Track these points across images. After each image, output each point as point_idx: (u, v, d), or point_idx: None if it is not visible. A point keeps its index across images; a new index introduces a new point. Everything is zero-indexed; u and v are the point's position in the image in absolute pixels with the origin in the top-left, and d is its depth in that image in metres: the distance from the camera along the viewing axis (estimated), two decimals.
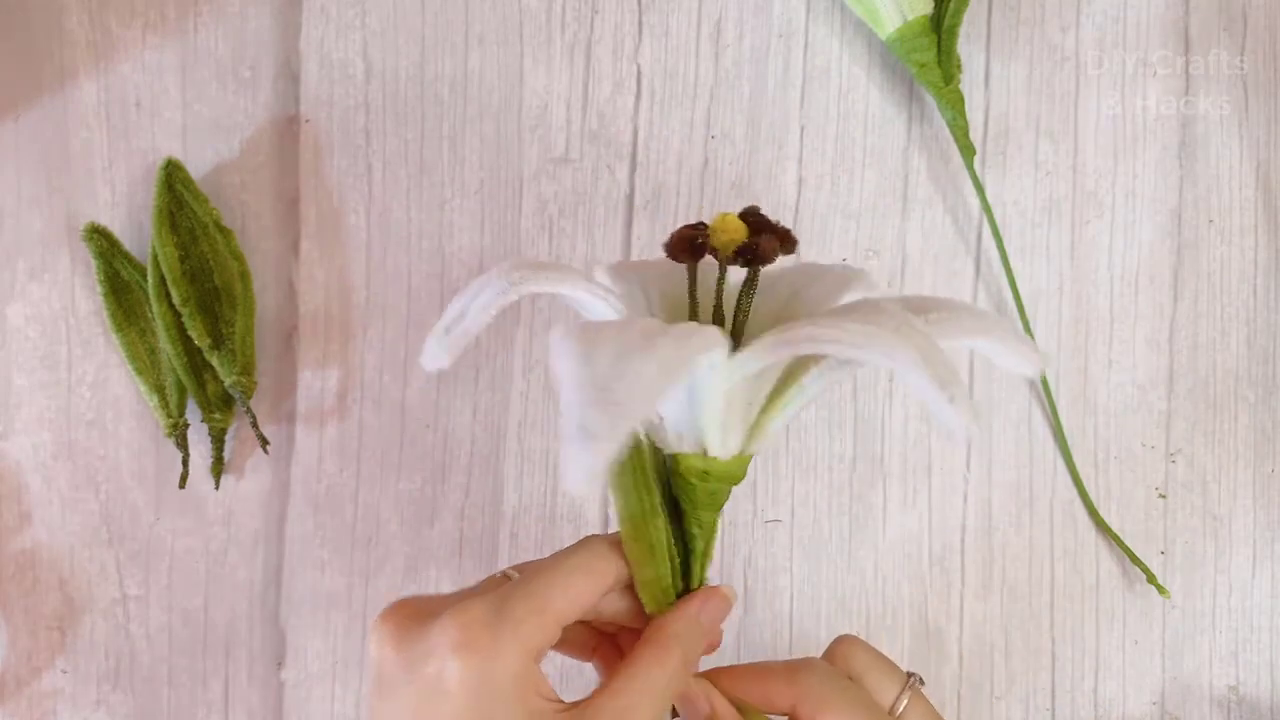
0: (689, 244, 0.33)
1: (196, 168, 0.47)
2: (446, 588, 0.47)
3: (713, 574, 0.36)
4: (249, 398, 0.46)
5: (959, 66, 0.46)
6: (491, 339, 0.47)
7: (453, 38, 0.48)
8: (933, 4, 0.46)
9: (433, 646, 0.29)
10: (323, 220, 0.48)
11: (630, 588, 0.34)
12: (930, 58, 0.45)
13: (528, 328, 0.47)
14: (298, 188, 0.48)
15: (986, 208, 0.47)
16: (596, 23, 0.48)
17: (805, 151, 0.48)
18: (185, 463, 0.46)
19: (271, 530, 0.47)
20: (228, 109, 0.47)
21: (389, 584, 0.47)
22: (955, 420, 0.27)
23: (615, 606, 0.34)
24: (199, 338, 0.45)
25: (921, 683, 0.36)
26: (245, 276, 0.47)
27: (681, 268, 0.34)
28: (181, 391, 0.46)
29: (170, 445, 0.46)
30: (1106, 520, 0.47)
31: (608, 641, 0.36)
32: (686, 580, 0.34)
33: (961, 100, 0.46)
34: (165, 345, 0.46)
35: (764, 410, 0.32)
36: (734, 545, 0.47)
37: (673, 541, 0.34)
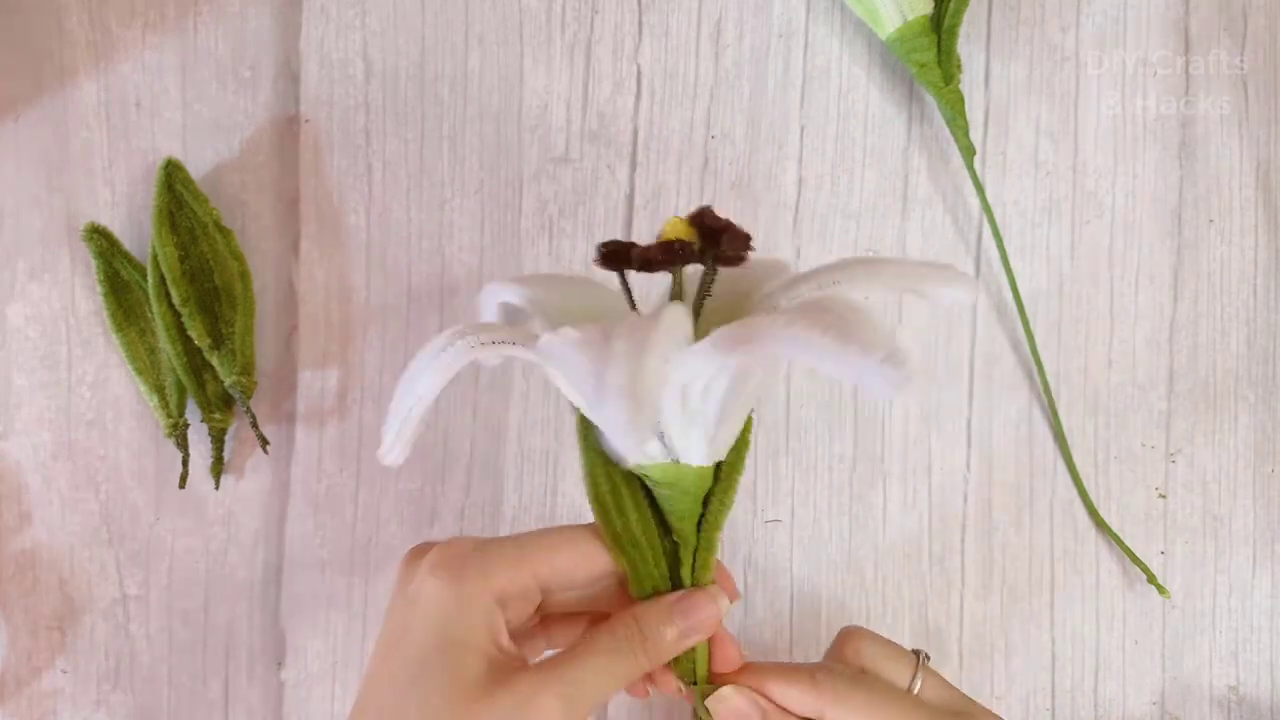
0: (617, 256, 0.33)
1: (196, 168, 0.47)
2: None
3: None
4: (249, 398, 0.46)
5: (959, 66, 0.46)
6: None
7: (453, 38, 0.48)
8: (933, 4, 0.46)
9: (420, 567, 0.33)
10: (323, 220, 0.48)
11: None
12: (930, 58, 0.45)
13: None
14: (298, 188, 0.48)
15: (986, 208, 0.47)
16: (596, 23, 0.48)
17: (805, 151, 0.48)
18: (185, 463, 0.46)
19: (271, 530, 0.47)
20: (228, 109, 0.47)
21: (389, 584, 0.47)
22: (891, 377, 0.27)
23: (613, 595, 0.35)
24: (199, 338, 0.45)
25: (928, 658, 0.37)
26: (245, 276, 0.47)
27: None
28: (181, 391, 0.46)
29: (170, 445, 0.46)
30: (1106, 520, 0.47)
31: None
32: (677, 577, 0.35)
33: (961, 100, 0.46)
34: (165, 345, 0.46)
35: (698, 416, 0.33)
36: (734, 545, 0.47)
37: (658, 537, 0.34)
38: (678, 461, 0.33)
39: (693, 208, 0.33)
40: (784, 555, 0.47)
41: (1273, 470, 0.48)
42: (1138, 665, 0.48)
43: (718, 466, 0.34)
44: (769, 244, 0.48)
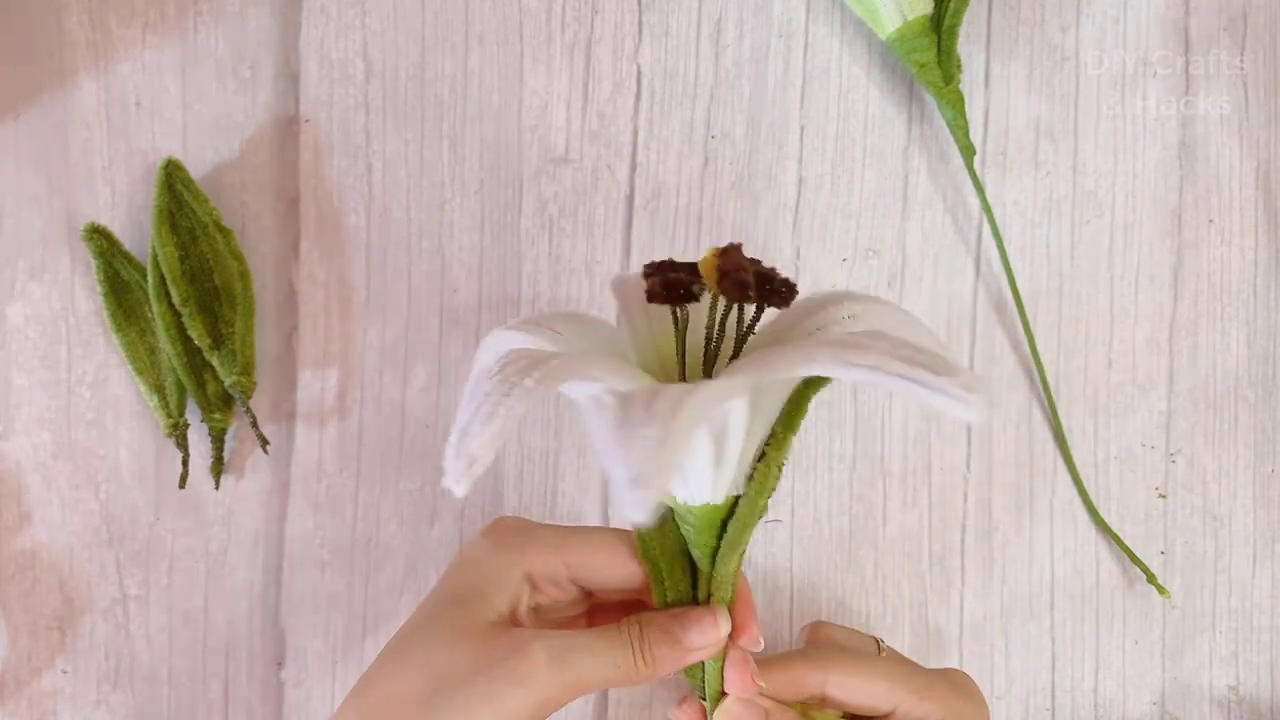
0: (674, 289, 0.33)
1: (196, 168, 0.47)
2: None
3: None
4: (249, 398, 0.46)
5: (959, 66, 0.46)
6: None
7: (453, 38, 0.48)
8: (933, 4, 0.46)
9: (479, 534, 0.37)
10: (323, 220, 0.48)
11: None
12: (930, 58, 0.45)
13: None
14: (298, 188, 0.48)
15: (986, 208, 0.47)
16: (596, 23, 0.48)
17: (805, 151, 0.48)
18: (185, 463, 0.46)
19: (271, 530, 0.47)
20: (228, 109, 0.47)
21: (389, 584, 0.47)
22: (964, 401, 0.27)
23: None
24: (199, 338, 0.45)
25: (882, 640, 0.42)
26: (245, 276, 0.47)
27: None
28: (181, 391, 0.46)
29: (170, 445, 0.46)
30: (1106, 520, 0.47)
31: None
32: (695, 593, 0.36)
33: (961, 100, 0.46)
34: (165, 345, 0.46)
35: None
36: None
37: (681, 554, 0.35)
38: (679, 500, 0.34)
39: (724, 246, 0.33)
40: (784, 555, 0.47)
41: (1273, 470, 0.48)
42: (1138, 665, 0.48)
43: (736, 500, 0.34)
44: (769, 244, 0.48)
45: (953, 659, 0.47)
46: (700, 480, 0.33)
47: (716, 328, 0.33)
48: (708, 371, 0.34)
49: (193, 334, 0.45)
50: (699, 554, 0.35)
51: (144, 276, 0.46)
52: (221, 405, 0.46)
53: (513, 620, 0.35)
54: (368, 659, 0.47)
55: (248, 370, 0.46)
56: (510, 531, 0.36)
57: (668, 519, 0.35)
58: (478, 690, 0.32)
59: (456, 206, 0.48)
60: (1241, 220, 0.48)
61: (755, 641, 0.36)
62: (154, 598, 0.47)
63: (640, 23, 0.48)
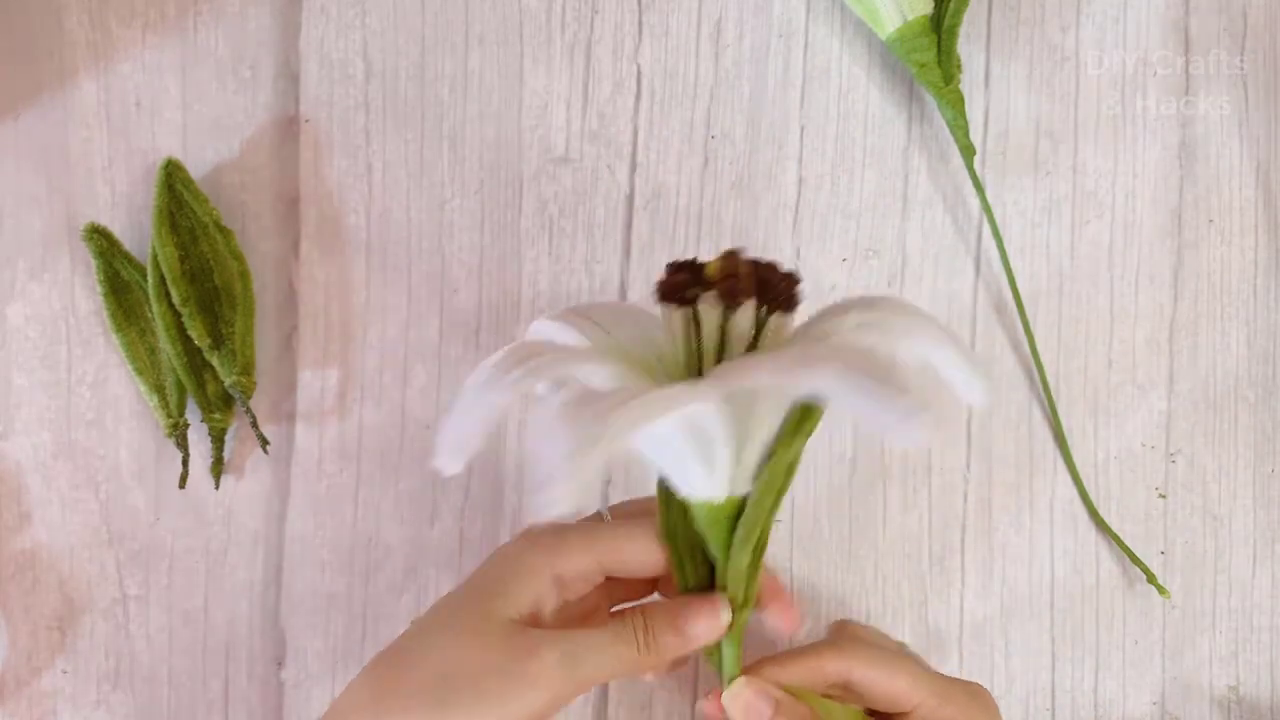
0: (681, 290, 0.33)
1: (196, 168, 0.47)
2: (446, 588, 0.47)
3: None
4: (249, 398, 0.46)
5: (959, 66, 0.46)
6: (491, 337, 0.47)
7: (453, 38, 0.48)
8: (933, 4, 0.46)
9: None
10: (323, 220, 0.48)
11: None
12: (930, 58, 0.45)
13: (528, 326, 0.47)
14: (298, 188, 0.48)
15: (986, 208, 0.47)
16: (596, 23, 0.48)
17: (805, 151, 0.48)
18: (185, 463, 0.46)
19: (271, 530, 0.47)
20: (228, 109, 0.47)
21: (389, 584, 0.47)
22: (904, 423, 0.27)
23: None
24: (199, 338, 0.45)
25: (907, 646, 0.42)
26: (245, 276, 0.47)
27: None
28: (181, 391, 0.46)
29: (170, 445, 0.46)
30: (1106, 520, 0.47)
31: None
32: (713, 583, 0.37)
33: (961, 100, 0.46)
34: (165, 345, 0.46)
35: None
36: None
37: (699, 542, 0.36)
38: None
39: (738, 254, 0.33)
40: (784, 555, 0.47)
41: (1273, 470, 0.48)
42: (1138, 665, 0.48)
43: (745, 499, 0.35)
44: (769, 244, 0.48)
45: (953, 659, 0.47)
46: (693, 477, 0.34)
47: (717, 332, 0.33)
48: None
49: (193, 334, 0.45)
50: (713, 547, 0.36)
51: (144, 276, 0.46)
52: (221, 405, 0.46)
53: (533, 620, 0.35)
54: (368, 659, 0.47)
55: (248, 370, 0.46)
56: (541, 535, 0.37)
57: (686, 509, 0.35)
58: (489, 688, 0.33)
59: (456, 206, 0.48)
60: (1241, 220, 0.48)
61: (792, 619, 0.38)
62: (154, 598, 0.47)
63: (640, 23, 0.48)
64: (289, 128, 0.48)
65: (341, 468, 0.47)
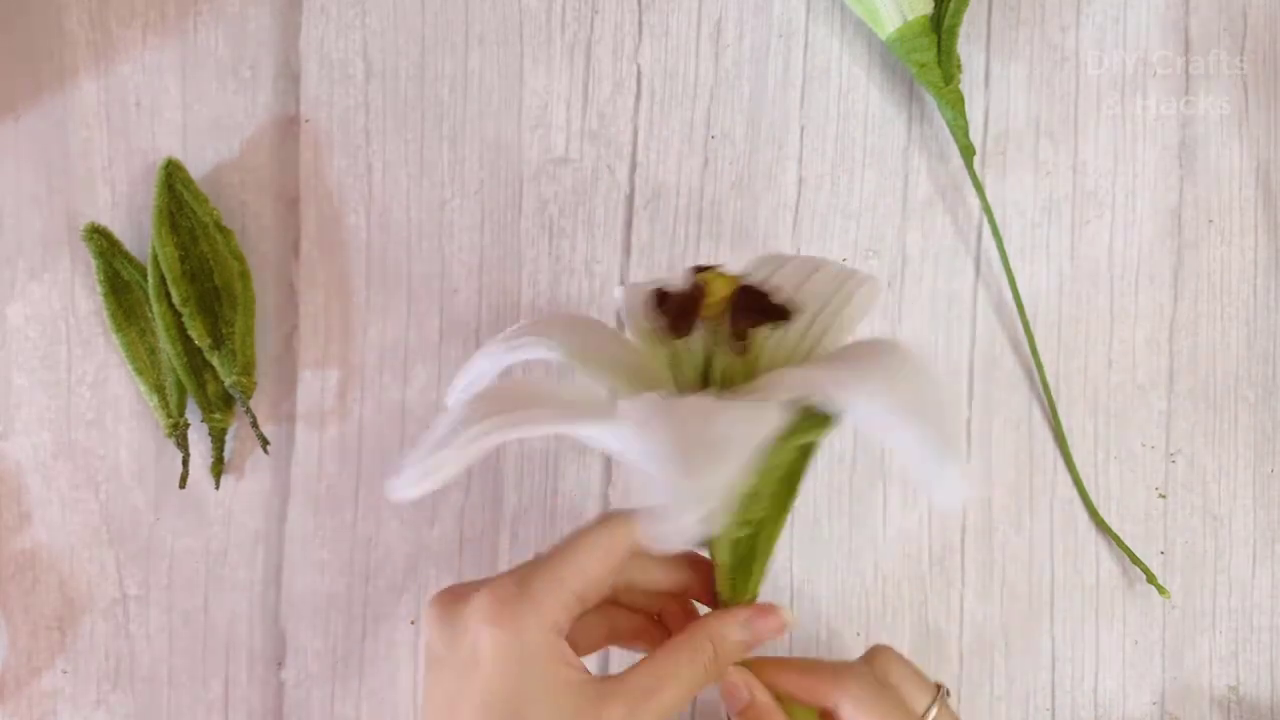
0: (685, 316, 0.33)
1: (196, 168, 0.47)
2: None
3: None
4: (249, 398, 0.46)
5: (959, 66, 0.46)
6: (491, 337, 0.47)
7: (453, 38, 0.48)
8: (933, 4, 0.46)
9: (468, 623, 0.32)
10: (323, 220, 0.48)
11: (658, 559, 0.37)
12: (930, 58, 0.45)
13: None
14: (298, 188, 0.48)
15: (986, 208, 0.47)
16: (596, 23, 0.48)
17: (805, 151, 0.48)
18: (185, 463, 0.46)
19: (271, 530, 0.47)
20: (228, 109, 0.47)
21: (389, 584, 0.47)
22: (947, 486, 0.27)
23: (649, 576, 0.37)
24: (199, 338, 0.45)
25: (949, 694, 0.38)
26: (245, 276, 0.47)
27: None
28: (181, 391, 0.46)
29: (170, 445, 0.46)
30: (1106, 520, 0.47)
31: (656, 627, 0.39)
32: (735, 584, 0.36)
33: (961, 100, 0.46)
34: (165, 345, 0.46)
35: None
36: None
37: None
38: None
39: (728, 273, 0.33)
40: (784, 555, 0.47)
41: (1273, 470, 0.48)
42: (1138, 665, 0.48)
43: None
44: (769, 244, 0.48)
45: (953, 659, 0.47)
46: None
47: (711, 349, 0.33)
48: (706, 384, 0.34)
49: (193, 334, 0.45)
50: (720, 552, 0.36)
51: (144, 276, 0.46)
52: (221, 405, 0.46)
53: (572, 683, 0.33)
54: (368, 659, 0.47)
55: (248, 370, 0.46)
56: (513, 604, 0.32)
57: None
58: None
59: (456, 206, 0.48)
60: (1241, 220, 0.48)
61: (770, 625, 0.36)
62: (154, 598, 0.47)
63: (640, 23, 0.48)
64: (289, 128, 0.48)
65: (341, 468, 0.47)
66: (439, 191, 0.48)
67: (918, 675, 0.38)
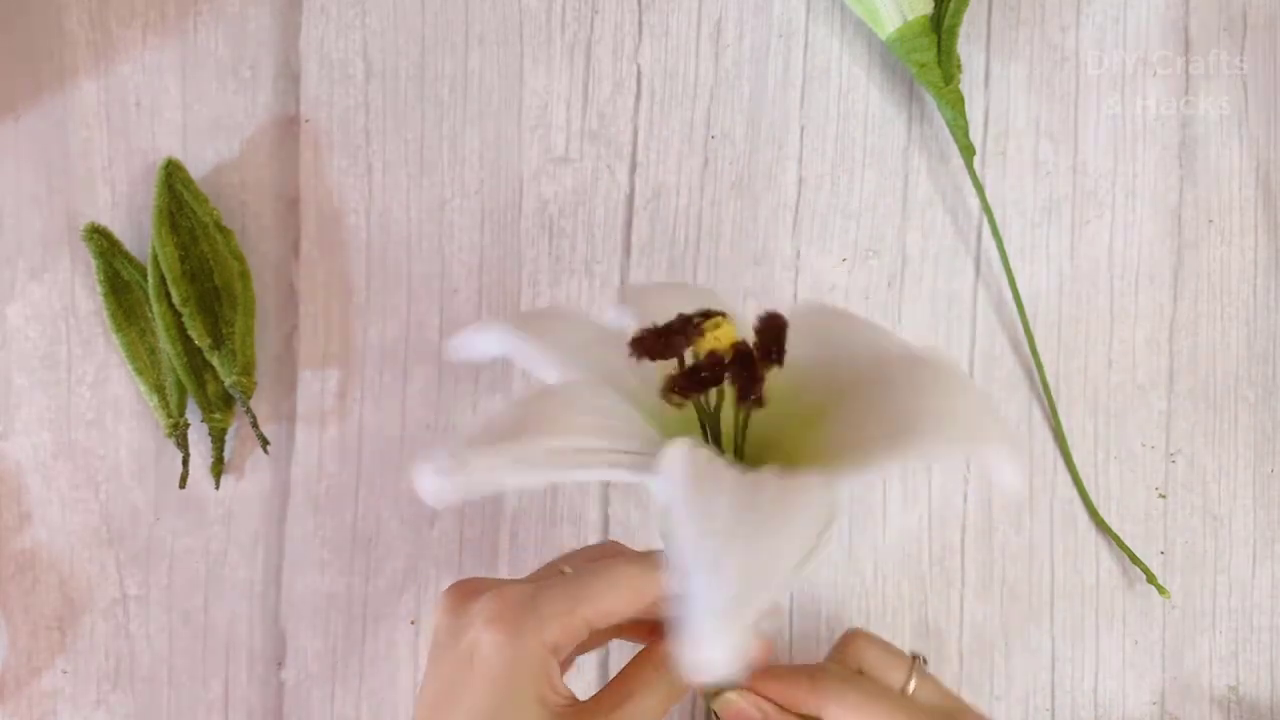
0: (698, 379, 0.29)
1: (196, 168, 0.47)
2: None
3: None
4: (249, 398, 0.46)
5: (959, 66, 0.46)
6: None
7: (453, 38, 0.48)
8: (933, 4, 0.46)
9: (472, 619, 0.32)
10: (323, 220, 0.48)
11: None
12: (930, 58, 0.45)
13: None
14: (298, 188, 0.48)
15: (986, 208, 0.47)
16: (596, 23, 0.48)
17: (805, 151, 0.48)
18: (185, 463, 0.46)
19: (271, 530, 0.47)
20: (228, 109, 0.47)
21: (389, 584, 0.47)
22: (1013, 476, 0.27)
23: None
24: (199, 338, 0.45)
25: (925, 662, 0.38)
26: (245, 276, 0.47)
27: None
28: (181, 391, 0.46)
29: (170, 445, 0.46)
30: (1106, 520, 0.47)
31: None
32: None
33: (961, 100, 0.46)
34: (165, 345, 0.46)
35: None
36: None
37: None
38: None
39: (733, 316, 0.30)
40: None
41: (1273, 470, 0.48)
42: (1138, 665, 0.48)
43: None
44: (769, 244, 0.48)
45: (953, 659, 0.47)
46: None
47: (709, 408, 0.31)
48: (713, 424, 0.31)
49: (193, 334, 0.45)
50: None
51: (144, 276, 0.46)
52: (221, 405, 0.46)
53: (555, 707, 0.32)
54: (368, 659, 0.47)
55: (248, 370, 0.46)
56: (517, 611, 0.32)
57: None
58: None
59: (456, 206, 0.48)
60: (1241, 220, 0.48)
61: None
62: (154, 598, 0.47)
63: (640, 23, 0.48)
64: (289, 128, 0.48)
65: (341, 468, 0.47)
66: (439, 191, 0.48)
67: (890, 651, 0.38)
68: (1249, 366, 0.48)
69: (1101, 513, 0.47)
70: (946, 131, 0.48)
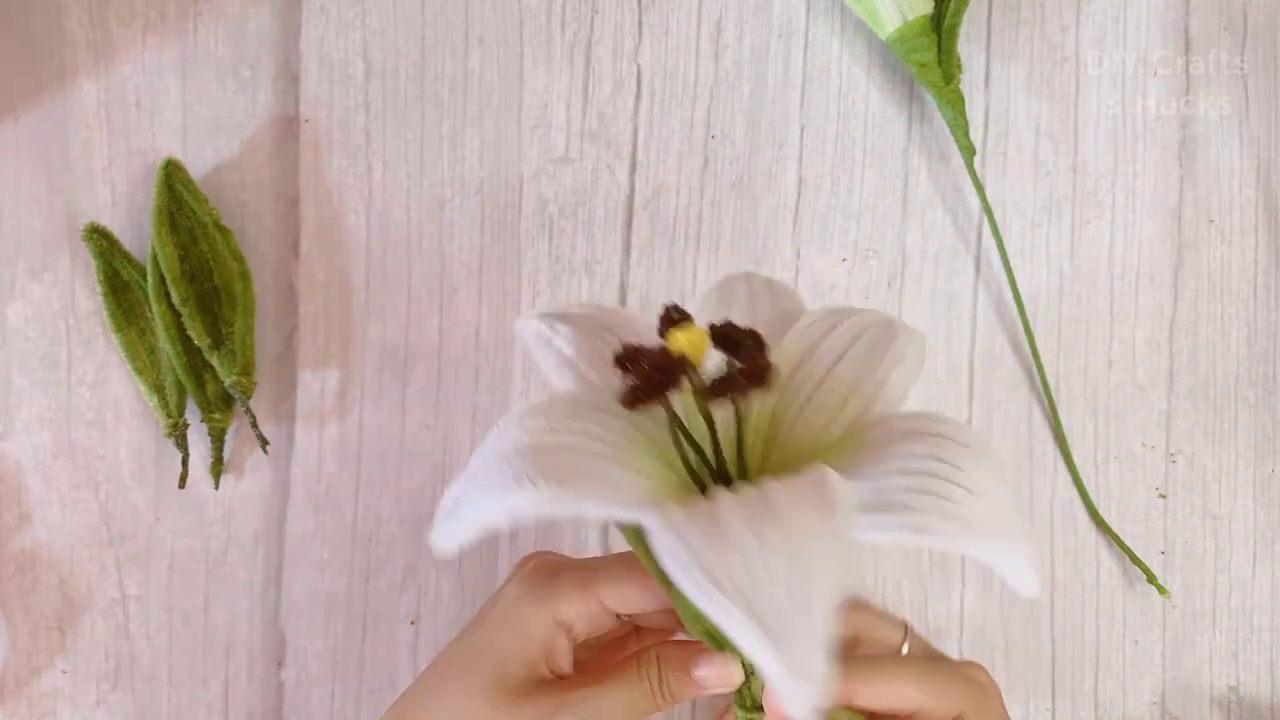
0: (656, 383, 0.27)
1: (196, 168, 0.47)
2: (446, 588, 0.47)
3: None
4: (249, 398, 0.46)
5: (959, 66, 0.46)
6: (491, 337, 0.47)
7: (453, 38, 0.48)
8: (933, 4, 0.46)
9: (516, 573, 0.36)
10: (323, 220, 0.48)
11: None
12: (930, 58, 0.45)
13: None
14: (298, 188, 0.48)
15: (986, 208, 0.47)
16: (596, 23, 0.48)
17: (805, 151, 0.48)
18: (185, 463, 0.46)
19: (271, 530, 0.47)
20: (228, 109, 0.47)
21: (389, 584, 0.47)
22: (1028, 577, 0.26)
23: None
24: (199, 338, 0.45)
25: (911, 627, 0.40)
26: (245, 276, 0.47)
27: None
28: (181, 391, 0.46)
29: (170, 445, 0.46)
30: (1106, 520, 0.47)
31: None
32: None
33: (961, 100, 0.46)
34: (165, 345, 0.46)
35: None
36: None
37: None
38: None
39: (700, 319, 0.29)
40: None
41: (1273, 470, 0.48)
42: (1138, 665, 0.48)
43: None
44: (769, 244, 0.48)
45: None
46: None
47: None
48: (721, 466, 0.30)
49: (193, 334, 0.45)
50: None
51: (144, 276, 0.46)
52: (221, 405, 0.46)
53: (540, 677, 0.34)
54: (368, 659, 0.47)
55: (248, 370, 0.46)
56: (541, 577, 0.35)
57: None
58: None
59: (456, 206, 0.48)
60: (1241, 220, 0.48)
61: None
62: (154, 598, 0.47)
63: (640, 23, 0.48)
64: (289, 128, 0.48)
65: (341, 468, 0.47)
66: (439, 191, 0.48)
67: (881, 616, 0.40)
68: (1249, 366, 0.48)
69: (1101, 513, 0.47)
70: (946, 131, 0.48)
